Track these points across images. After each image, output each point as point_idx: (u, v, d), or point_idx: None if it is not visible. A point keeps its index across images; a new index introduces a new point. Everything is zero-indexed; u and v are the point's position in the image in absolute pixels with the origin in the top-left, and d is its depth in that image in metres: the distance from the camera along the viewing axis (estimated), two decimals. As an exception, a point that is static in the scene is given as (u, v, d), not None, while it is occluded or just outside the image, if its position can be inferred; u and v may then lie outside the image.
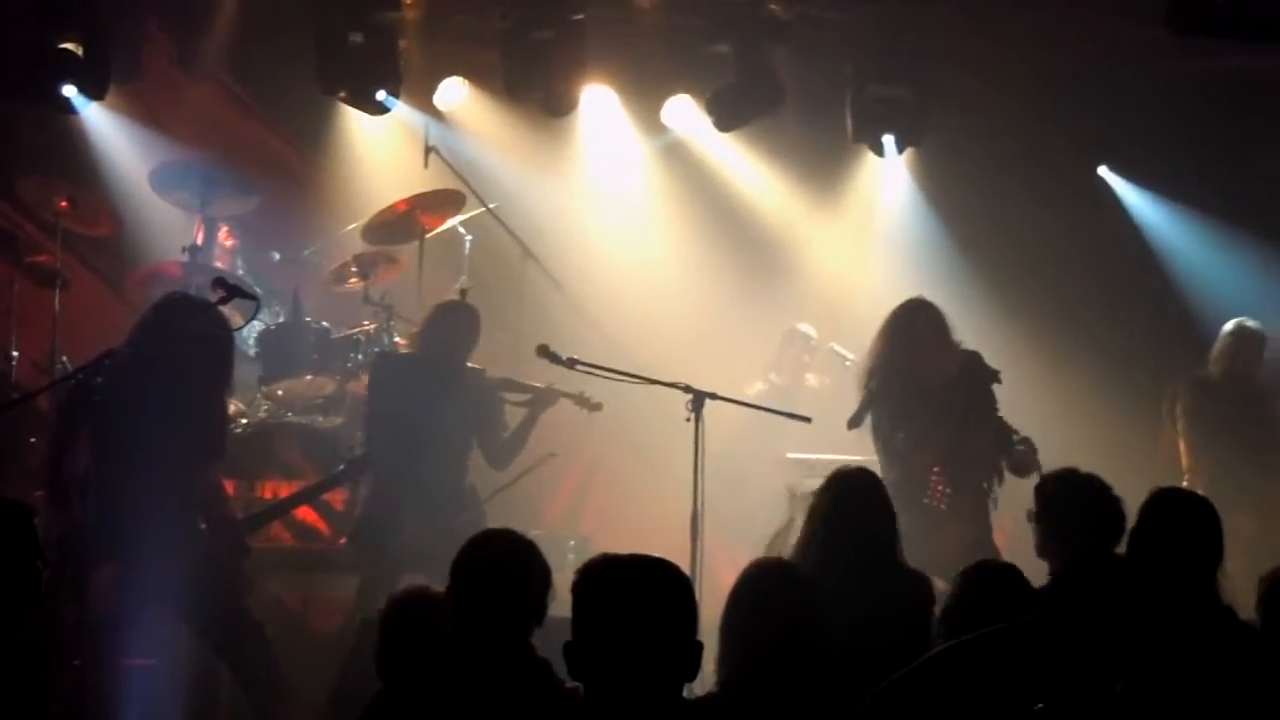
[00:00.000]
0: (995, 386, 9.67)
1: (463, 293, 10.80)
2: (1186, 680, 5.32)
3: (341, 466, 9.62)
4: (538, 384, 10.38)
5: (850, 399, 9.84)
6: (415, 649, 5.64)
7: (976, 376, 9.67)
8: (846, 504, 6.78)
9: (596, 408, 10.45)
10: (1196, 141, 12.94)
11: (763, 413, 9.99)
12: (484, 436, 10.12)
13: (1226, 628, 5.59)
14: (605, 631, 4.08)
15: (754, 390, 12.07)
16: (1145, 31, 11.90)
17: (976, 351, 9.79)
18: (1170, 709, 5.23)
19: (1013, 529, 9.01)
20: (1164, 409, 11.45)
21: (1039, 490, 6.78)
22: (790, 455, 11.78)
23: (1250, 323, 11.37)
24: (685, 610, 4.16)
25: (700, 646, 4.19)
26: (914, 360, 9.65)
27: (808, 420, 9.63)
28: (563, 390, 10.31)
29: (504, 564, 5.32)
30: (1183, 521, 5.72)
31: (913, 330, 9.70)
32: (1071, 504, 6.58)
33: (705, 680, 5.44)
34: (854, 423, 9.72)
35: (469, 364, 10.11)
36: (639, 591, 4.12)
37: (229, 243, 12.06)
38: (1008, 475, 9.44)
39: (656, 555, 4.23)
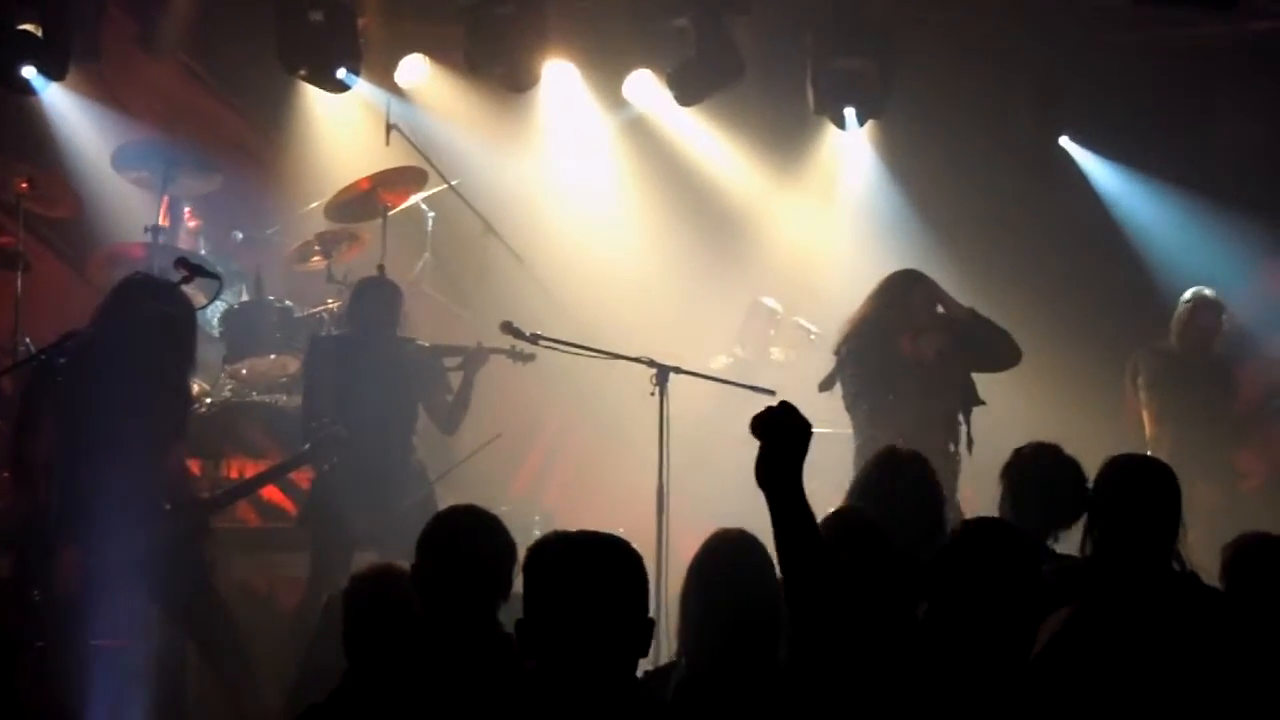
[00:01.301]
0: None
1: (380, 269, 10.79)
2: (1152, 643, 5.36)
3: (307, 445, 9.60)
4: (466, 344, 10.39)
5: (815, 372, 9.87)
6: (381, 626, 5.66)
7: (955, 348, 9.71)
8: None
9: (529, 359, 10.37)
10: (1158, 110, 12.98)
11: (728, 386, 10.01)
12: (429, 403, 10.12)
13: (1191, 592, 5.62)
14: (555, 609, 4.06)
15: (719, 364, 12.09)
16: (1106, 0, 11.93)
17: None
18: (1136, 670, 5.27)
19: (973, 495, 9.05)
20: (1125, 379, 11.47)
21: (1016, 453, 6.75)
22: (755, 429, 11.79)
23: (1208, 291, 11.35)
24: (636, 588, 4.13)
25: (652, 624, 4.17)
26: (899, 328, 9.67)
27: (772, 393, 9.58)
28: (492, 347, 10.27)
29: (469, 539, 5.35)
30: (1141, 486, 5.75)
31: (907, 299, 9.74)
32: (1037, 479, 6.56)
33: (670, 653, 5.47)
34: (824, 386, 9.78)
35: (399, 336, 10.14)
36: (589, 569, 4.09)
37: (193, 223, 12.03)
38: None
39: (609, 532, 4.20)
